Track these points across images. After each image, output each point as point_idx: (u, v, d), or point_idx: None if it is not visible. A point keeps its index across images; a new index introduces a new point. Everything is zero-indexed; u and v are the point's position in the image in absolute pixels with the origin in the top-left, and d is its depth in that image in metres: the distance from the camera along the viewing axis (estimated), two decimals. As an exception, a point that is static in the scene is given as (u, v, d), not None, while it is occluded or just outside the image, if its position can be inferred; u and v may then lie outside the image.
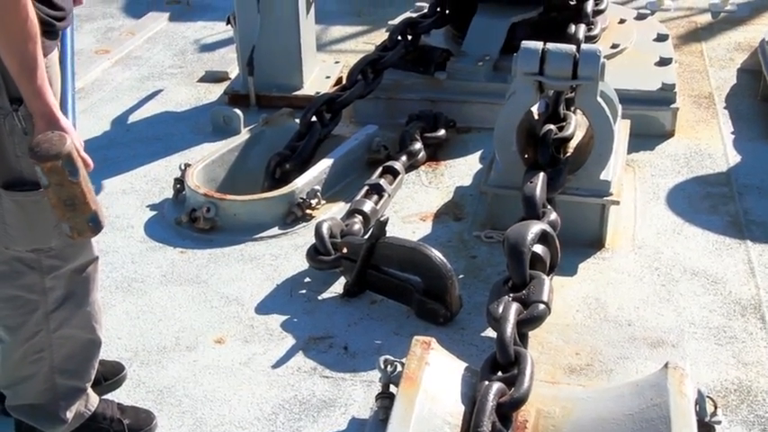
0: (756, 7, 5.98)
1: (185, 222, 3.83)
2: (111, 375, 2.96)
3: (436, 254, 3.27)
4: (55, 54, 2.36)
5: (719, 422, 2.52)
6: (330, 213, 3.82)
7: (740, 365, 3.04)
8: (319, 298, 3.42)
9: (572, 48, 3.53)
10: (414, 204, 4.01)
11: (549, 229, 3.08)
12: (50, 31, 2.29)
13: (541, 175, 3.39)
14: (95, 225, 2.29)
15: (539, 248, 2.98)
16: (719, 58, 5.37)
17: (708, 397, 2.53)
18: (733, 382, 2.96)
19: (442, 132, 4.41)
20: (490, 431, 2.28)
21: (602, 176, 3.61)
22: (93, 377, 2.73)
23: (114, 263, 3.57)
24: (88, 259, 2.56)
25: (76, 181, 2.20)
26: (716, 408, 2.53)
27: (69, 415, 2.65)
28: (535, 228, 3.00)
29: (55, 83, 2.33)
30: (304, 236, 3.69)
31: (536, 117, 3.77)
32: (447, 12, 4.91)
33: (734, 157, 4.32)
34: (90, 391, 2.72)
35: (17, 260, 2.44)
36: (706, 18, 5.92)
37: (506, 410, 2.37)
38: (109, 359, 2.94)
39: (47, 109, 2.20)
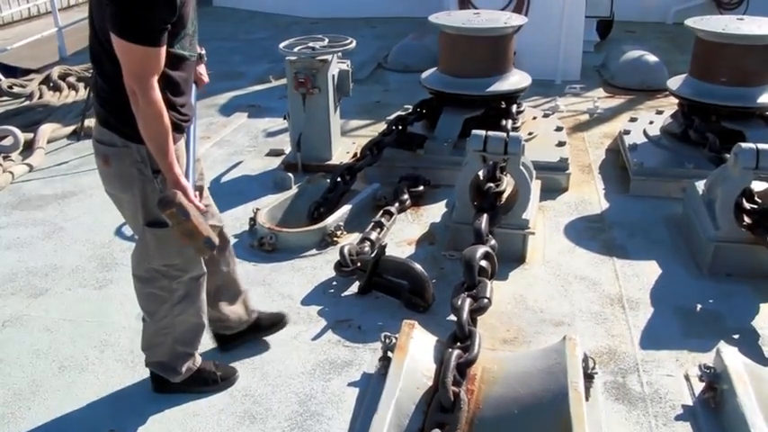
0: (615, 111, 6.06)
1: (256, 246, 3.84)
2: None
3: (418, 266, 3.30)
4: (182, 142, 2.41)
5: (597, 372, 2.53)
6: (349, 240, 3.83)
7: (609, 337, 3.06)
8: (342, 295, 3.42)
9: (503, 134, 3.57)
10: (403, 234, 4.02)
11: (490, 250, 3.10)
12: (179, 128, 2.36)
13: (485, 215, 3.41)
14: (209, 245, 2.26)
15: (484, 263, 2.98)
16: (595, 142, 5.39)
17: (590, 357, 2.54)
18: (605, 348, 2.99)
19: (421, 188, 4.42)
20: (452, 381, 2.30)
21: (524, 216, 3.63)
22: (198, 346, 2.75)
23: (212, 272, 3.57)
24: (199, 273, 2.58)
25: (188, 220, 2.18)
26: (595, 364, 2.54)
27: (183, 369, 2.68)
28: (481, 249, 3.01)
29: (181, 159, 2.38)
30: (332, 254, 3.69)
31: (481, 178, 3.81)
32: (424, 111, 4.95)
33: (605, 204, 4.34)
34: (197, 354, 2.75)
35: (155, 271, 2.48)
36: (586, 117, 5.96)
37: (463, 367, 2.37)
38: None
39: (174, 177, 2.25)
